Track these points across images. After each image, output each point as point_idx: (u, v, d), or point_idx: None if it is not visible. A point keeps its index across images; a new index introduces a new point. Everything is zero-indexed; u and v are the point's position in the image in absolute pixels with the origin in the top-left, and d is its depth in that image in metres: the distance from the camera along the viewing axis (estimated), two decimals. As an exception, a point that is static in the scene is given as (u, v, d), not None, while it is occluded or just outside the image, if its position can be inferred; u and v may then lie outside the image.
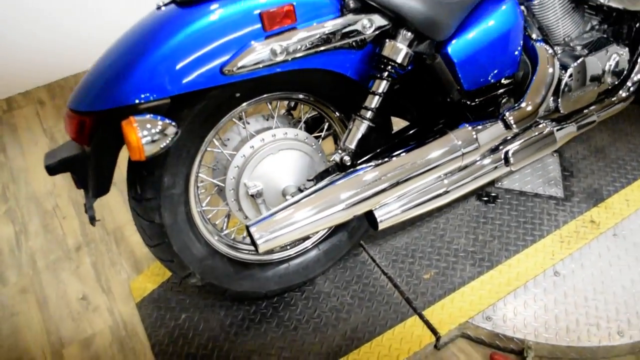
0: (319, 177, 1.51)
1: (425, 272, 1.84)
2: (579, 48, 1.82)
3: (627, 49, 1.88)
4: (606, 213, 2.00)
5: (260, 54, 1.28)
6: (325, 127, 1.71)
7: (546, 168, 2.20)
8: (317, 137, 1.69)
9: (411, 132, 1.68)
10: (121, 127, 1.20)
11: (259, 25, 1.29)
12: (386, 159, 1.51)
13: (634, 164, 2.20)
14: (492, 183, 2.14)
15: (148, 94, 1.23)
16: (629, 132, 2.34)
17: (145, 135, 1.21)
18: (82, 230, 2.25)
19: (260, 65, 1.30)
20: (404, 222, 1.77)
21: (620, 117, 2.42)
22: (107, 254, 2.12)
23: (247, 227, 1.38)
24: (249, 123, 1.58)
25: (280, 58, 1.31)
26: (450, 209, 2.06)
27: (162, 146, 1.25)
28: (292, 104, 1.75)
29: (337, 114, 1.61)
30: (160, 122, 1.23)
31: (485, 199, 2.08)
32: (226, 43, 1.27)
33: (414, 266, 1.87)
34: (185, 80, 1.25)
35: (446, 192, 1.62)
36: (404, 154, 1.52)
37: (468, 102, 1.63)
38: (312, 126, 1.76)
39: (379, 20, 1.40)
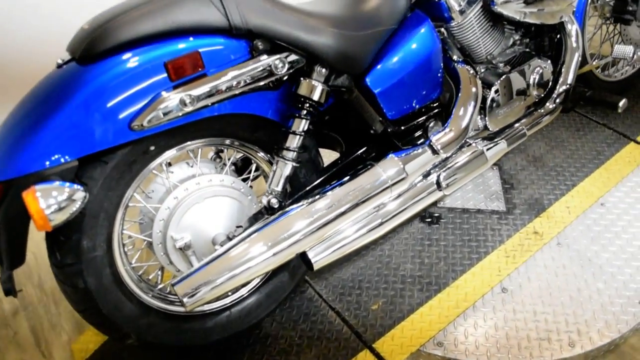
0: (248, 223, 1.47)
1: (373, 303, 1.81)
2: (502, 65, 1.83)
3: (549, 61, 1.90)
4: (548, 223, 2.01)
5: (168, 105, 1.24)
6: (254, 168, 1.67)
7: (487, 182, 2.20)
8: (246, 179, 1.65)
9: (342, 164, 1.65)
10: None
11: (164, 76, 1.25)
12: (314, 198, 1.47)
13: (572, 169, 2.22)
14: (434, 203, 2.13)
15: (53, 159, 1.18)
16: (565, 139, 2.37)
17: (51, 204, 1.15)
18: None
19: (171, 117, 1.26)
20: (348, 253, 1.75)
21: (555, 125, 2.45)
22: (46, 317, 2.02)
23: (173, 286, 1.32)
24: (172, 172, 1.52)
25: (190, 108, 1.26)
26: (394, 234, 2.04)
27: (70, 213, 1.19)
28: (219, 148, 1.71)
29: (263, 154, 1.58)
30: (66, 189, 1.18)
31: (429, 220, 2.07)
32: (130, 97, 1.22)
33: (362, 297, 1.83)
34: (90, 141, 1.20)
35: (381, 224, 1.59)
36: (331, 191, 1.49)
37: (394, 131, 1.62)
38: (242, 168, 1.71)
39: (291, 59, 1.37)
